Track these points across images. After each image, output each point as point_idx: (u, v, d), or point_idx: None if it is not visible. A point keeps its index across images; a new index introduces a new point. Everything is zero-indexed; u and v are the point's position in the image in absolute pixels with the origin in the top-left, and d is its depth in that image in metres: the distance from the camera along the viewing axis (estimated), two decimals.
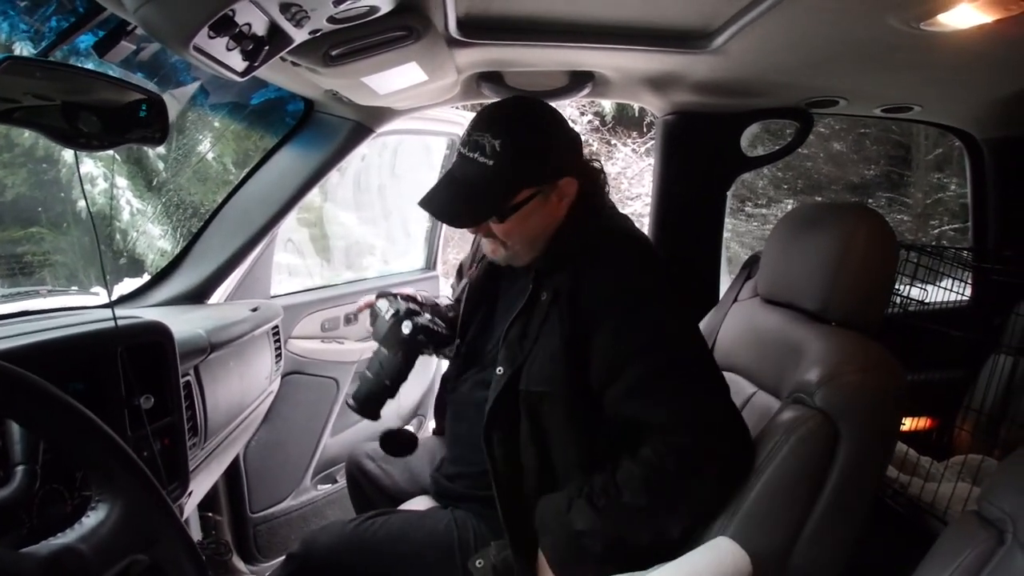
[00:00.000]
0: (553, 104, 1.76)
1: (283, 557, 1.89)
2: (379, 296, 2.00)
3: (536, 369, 1.60)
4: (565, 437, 1.61)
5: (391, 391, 1.91)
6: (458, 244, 10.16)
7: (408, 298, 2.00)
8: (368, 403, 1.91)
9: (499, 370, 1.66)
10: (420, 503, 1.99)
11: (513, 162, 1.59)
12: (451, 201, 1.68)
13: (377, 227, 4.91)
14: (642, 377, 1.51)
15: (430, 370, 3.53)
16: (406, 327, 1.86)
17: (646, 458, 1.50)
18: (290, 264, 4.24)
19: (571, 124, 1.77)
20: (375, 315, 1.98)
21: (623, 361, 1.53)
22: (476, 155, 1.61)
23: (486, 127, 1.62)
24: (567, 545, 1.54)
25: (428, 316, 1.92)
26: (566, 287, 1.57)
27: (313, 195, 2.56)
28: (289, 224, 2.59)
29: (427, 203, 1.68)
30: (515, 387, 1.62)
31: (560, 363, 1.57)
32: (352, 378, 3.14)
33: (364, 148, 2.65)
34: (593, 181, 1.76)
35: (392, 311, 1.91)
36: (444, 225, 3.67)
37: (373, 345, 2.98)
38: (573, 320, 1.56)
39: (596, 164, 1.80)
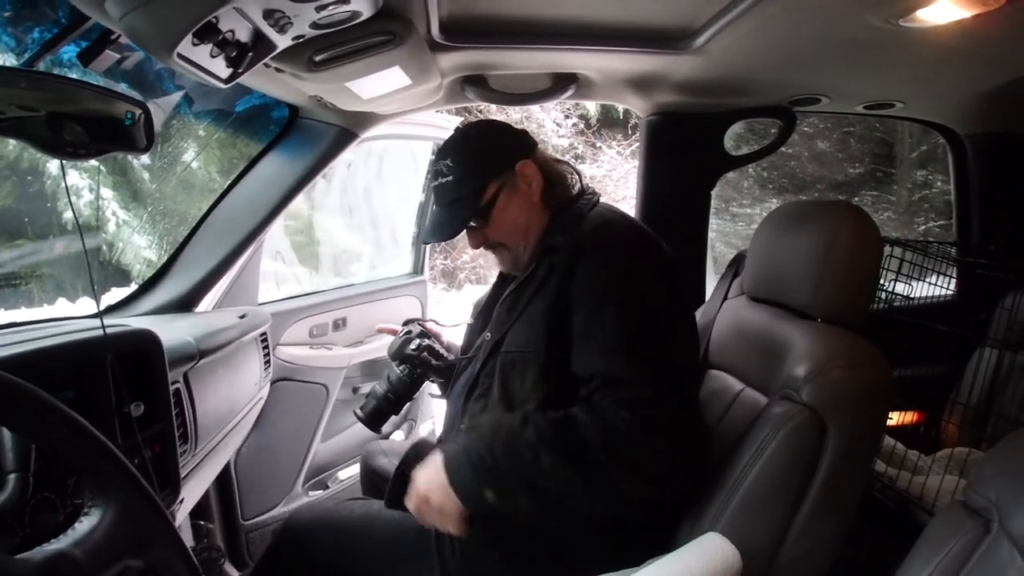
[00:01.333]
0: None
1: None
2: (406, 321, 2.19)
3: (517, 332, 1.69)
4: (530, 406, 1.61)
5: (395, 407, 2.06)
6: (444, 250, 10.19)
7: (427, 328, 2.19)
8: (373, 416, 2.05)
9: (487, 335, 1.78)
10: None
11: (465, 168, 1.78)
12: (436, 221, 1.86)
13: (364, 234, 4.91)
14: (611, 340, 1.53)
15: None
16: (412, 345, 2.07)
17: (599, 407, 1.49)
18: (278, 272, 4.23)
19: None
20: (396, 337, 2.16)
21: (593, 333, 1.56)
22: (440, 180, 1.82)
23: (440, 155, 1.85)
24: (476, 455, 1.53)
25: (429, 342, 2.11)
26: (562, 265, 1.64)
27: (300, 203, 2.56)
28: (277, 233, 2.59)
29: (423, 235, 1.94)
30: (497, 353, 1.70)
31: (539, 328, 1.64)
32: (342, 383, 3.14)
33: (350, 155, 2.65)
34: (555, 163, 1.89)
35: (406, 331, 2.14)
36: None
37: (363, 350, 3.01)
38: (559, 294, 1.62)
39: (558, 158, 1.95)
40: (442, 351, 2.11)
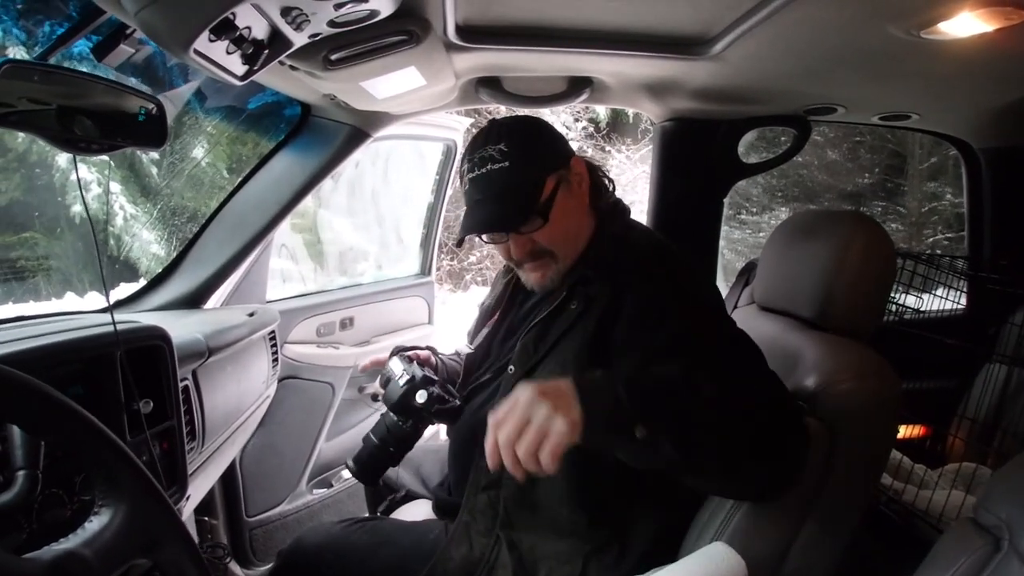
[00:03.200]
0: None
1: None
2: (394, 353, 1.93)
3: (546, 372, 1.54)
4: None
5: (395, 459, 1.83)
6: (451, 251, 10.17)
7: (424, 361, 1.96)
8: (368, 468, 1.84)
9: (510, 369, 1.65)
10: (423, 509, 1.99)
11: (524, 153, 1.60)
12: (484, 213, 1.64)
13: (371, 233, 4.90)
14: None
15: None
16: (420, 396, 1.75)
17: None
18: (284, 269, 4.24)
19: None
20: (387, 377, 1.87)
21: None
22: (489, 166, 1.61)
23: (488, 140, 1.64)
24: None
25: (438, 389, 1.79)
26: (602, 302, 1.52)
27: (307, 201, 2.56)
28: (283, 229, 2.59)
29: (466, 228, 1.64)
30: None
31: (573, 372, 1.37)
32: (348, 383, 3.14)
33: (358, 154, 2.64)
34: (594, 168, 1.75)
35: (407, 376, 1.80)
36: (438, 232, 3.68)
37: (369, 350, 2.97)
38: (598, 337, 1.49)
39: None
40: (447, 393, 1.81)
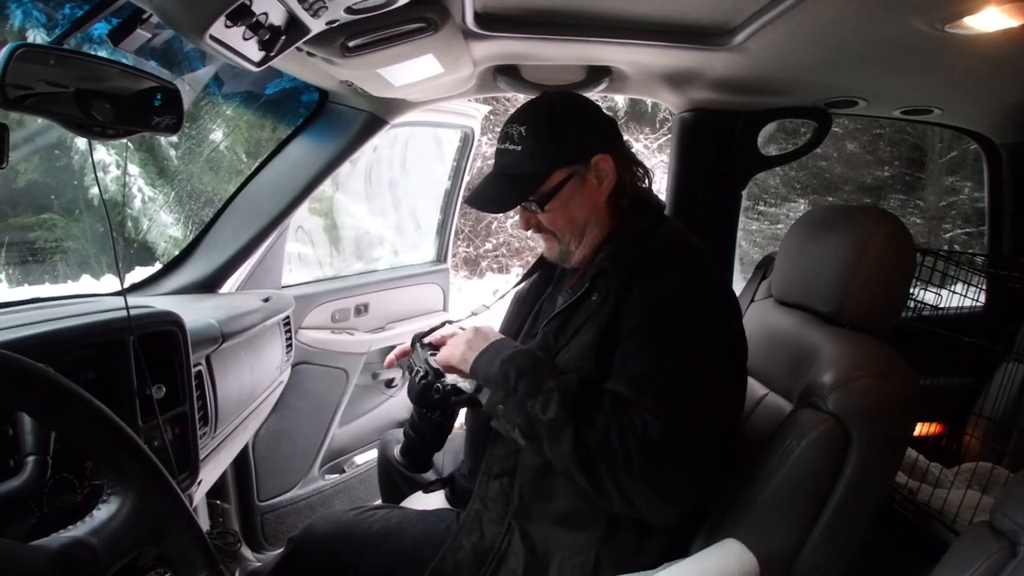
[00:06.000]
0: None
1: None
2: (415, 342, 1.92)
3: (564, 362, 1.57)
4: None
5: (436, 446, 1.85)
6: (467, 238, 10.17)
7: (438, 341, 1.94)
8: (415, 459, 1.85)
9: None
10: (436, 497, 1.99)
11: (539, 143, 1.63)
12: (489, 189, 1.73)
13: (387, 219, 4.90)
14: (652, 360, 1.46)
15: None
16: (436, 391, 1.76)
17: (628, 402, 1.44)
18: (301, 252, 4.24)
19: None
20: (410, 367, 1.87)
21: (633, 351, 1.49)
22: (507, 144, 1.67)
23: (516, 118, 1.69)
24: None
25: (456, 378, 1.77)
26: (615, 293, 1.56)
27: (324, 185, 2.55)
28: (300, 212, 2.59)
29: (471, 199, 1.75)
30: None
31: (589, 362, 1.53)
32: (362, 369, 3.16)
33: (376, 140, 2.64)
34: (632, 164, 1.74)
35: (421, 373, 1.80)
36: (454, 218, 3.67)
37: (384, 336, 2.97)
38: (611, 323, 1.53)
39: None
40: (468, 383, 1.76)
